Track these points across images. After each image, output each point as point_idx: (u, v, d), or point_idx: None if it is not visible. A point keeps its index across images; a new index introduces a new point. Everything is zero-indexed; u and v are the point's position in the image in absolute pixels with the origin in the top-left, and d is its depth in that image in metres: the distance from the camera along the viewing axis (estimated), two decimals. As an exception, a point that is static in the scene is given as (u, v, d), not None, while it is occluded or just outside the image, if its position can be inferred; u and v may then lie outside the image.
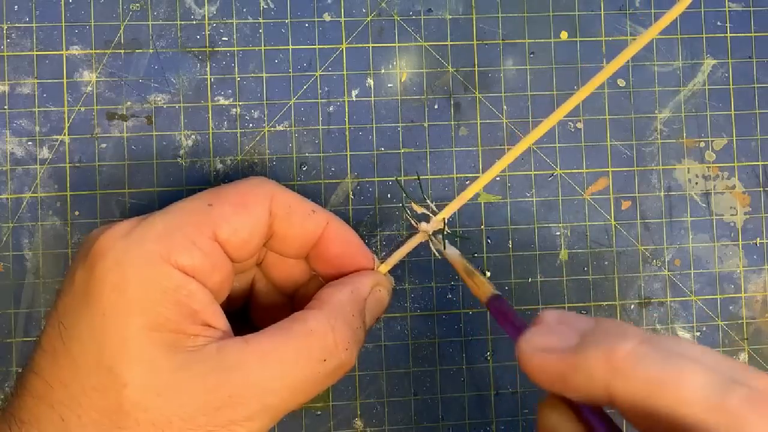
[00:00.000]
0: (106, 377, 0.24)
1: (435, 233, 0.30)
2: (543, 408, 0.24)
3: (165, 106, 0.35)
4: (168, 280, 0.25)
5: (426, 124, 0.36)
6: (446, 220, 0.30)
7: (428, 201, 0.32)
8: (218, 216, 0.26)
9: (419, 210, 0.31)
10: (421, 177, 0.36)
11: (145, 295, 0.24)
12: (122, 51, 0.35)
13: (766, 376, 0.21)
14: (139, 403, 0.24)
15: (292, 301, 0.32)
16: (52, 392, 0.24)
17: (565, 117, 0.37)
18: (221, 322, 0.26)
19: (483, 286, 0.29)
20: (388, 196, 0.36)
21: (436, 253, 0.31)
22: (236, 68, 0.35)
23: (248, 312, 0.32)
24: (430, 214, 0.31)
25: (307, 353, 0.26)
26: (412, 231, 0.31)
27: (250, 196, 0.27)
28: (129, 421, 0.23)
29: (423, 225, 0.30)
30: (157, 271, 0.25)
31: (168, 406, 0.24)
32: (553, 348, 0.23)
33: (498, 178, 0.36)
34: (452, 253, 0.30)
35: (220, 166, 0.35)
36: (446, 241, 0.30)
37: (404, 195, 0.35)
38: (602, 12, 0.37)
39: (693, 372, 0.20)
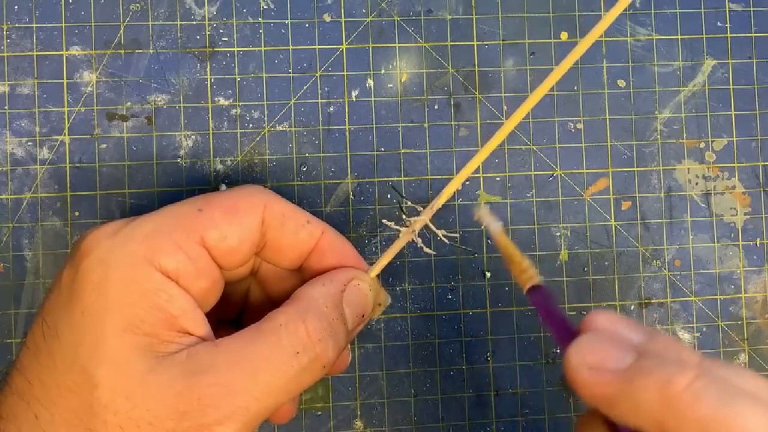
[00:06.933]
0: (79, 377, 0.24)
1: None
2: (581, 425, 0.24)
3: (165, 107, 0.35)
4: (149, 282, 0.24)
5: (426, 125, 0.36)
6: (432, 220, 0.29)
7: (407, 203, 0.31)
8: (207, 221, 0.26)
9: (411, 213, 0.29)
10: (421, 177, 0.36)
11: (124, 295, 0.24)
12: (122, 51, 0.35)
13: None
14: (108, 406, 0.23)
15: None
16: (31, 389, 0.24)
17: (565, 117, 0.37)
18: (201, 329, 0.25)
19: (526, 272, 0.26)
20: (388, 196, 0.36)
21: (485, 227, 0.28)
22: (236, 68, 0.35)
23: (244, 321, 0.32)
24: (420, 209, 0.29)
25: (278, 347, 0.25)
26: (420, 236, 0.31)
27: (241, 203, 0.27)
28: (97, 423, 0.23)
29: (403, 229, 0.29)
30: (138, 273, 0.24)
31: (136, 409, 0.23)
32: (604, 367, 0.22)
33: (498, 179, 0.36)
34: (495, 228, 0.27)
35: (220, 166, 0.35)
36: (493, 215, 0.28)
37: (402, 198, 0.35)
38: (602, 12, 0.37)
39: (752, 414, 0.20)
